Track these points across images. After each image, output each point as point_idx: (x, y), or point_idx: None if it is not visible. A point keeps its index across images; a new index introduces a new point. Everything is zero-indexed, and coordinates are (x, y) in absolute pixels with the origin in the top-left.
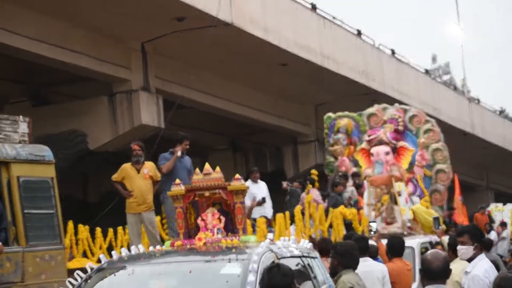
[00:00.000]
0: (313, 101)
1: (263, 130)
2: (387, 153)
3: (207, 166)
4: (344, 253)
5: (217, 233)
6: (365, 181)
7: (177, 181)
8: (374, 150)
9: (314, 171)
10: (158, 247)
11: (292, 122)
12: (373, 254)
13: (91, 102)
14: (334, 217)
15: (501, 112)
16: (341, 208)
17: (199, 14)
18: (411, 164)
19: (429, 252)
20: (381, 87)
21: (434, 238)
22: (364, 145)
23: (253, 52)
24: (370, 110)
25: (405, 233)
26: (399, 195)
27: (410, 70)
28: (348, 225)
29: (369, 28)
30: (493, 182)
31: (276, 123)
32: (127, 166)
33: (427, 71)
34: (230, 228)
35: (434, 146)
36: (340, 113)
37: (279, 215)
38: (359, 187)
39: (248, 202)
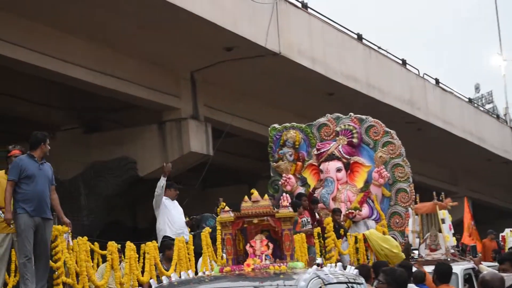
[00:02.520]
0: None
1: None
2: (338, 170)
3: (255, 193)
4: (403, 283)
5: (265, 259)
6: (409, 209)
7: (226, 208)
8: (323, 166)
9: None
10: (207, 272)
11: None
12: (419, 280)
13: (141, 129)
14: None
15: None
16: None
17: (247, 44)
18: (367, 183)
19: (486, 272)
20: (425, 116)
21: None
22: (313, 160)
23: (300, 81)
24: (321, 120)
25: (449, 259)
26: (443, 222)
27: (454, 99)
28: None
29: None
30: None
31: None
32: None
33: (470, 100)
34: (278, 254)
35: (394, 162)
36: (287, 124)
37: None
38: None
39: None
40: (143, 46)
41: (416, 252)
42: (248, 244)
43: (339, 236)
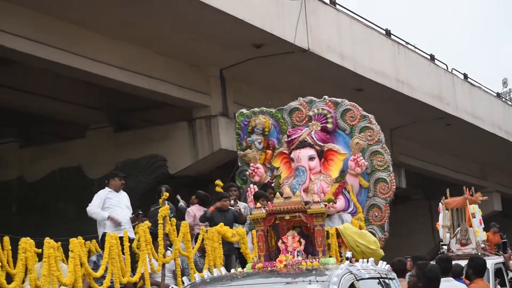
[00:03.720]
0: (388, 125)
1: None
2: (311, 158)
3: (287, 190)
4: (433, 278)
5: (297, 255)
6: (440, 204)
7: (258, 204)
8: (294, 154)
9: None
10: (239, 269)
11: None
12: (457, 274)
13: (171, 127)
14: (208, 238)
15: None
16: (220, 226)
17: (277, 41)
18: (343, 172)
19: None
20: (454, 111)
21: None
22: (283, 148)
23: (329, 77)
24: (293, 104)
25: (479, 254)
26: (474, 217)
27: (482, 94)
28: None
29: (442, 52)
30: None
31: None
32: None
33: (498, 95)
34: (310, 250)
35: (373, 149)
36: (255, 109)
37: None
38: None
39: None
40: (173, 44)
41: (445, 247)
42: (280, 241)
43: None
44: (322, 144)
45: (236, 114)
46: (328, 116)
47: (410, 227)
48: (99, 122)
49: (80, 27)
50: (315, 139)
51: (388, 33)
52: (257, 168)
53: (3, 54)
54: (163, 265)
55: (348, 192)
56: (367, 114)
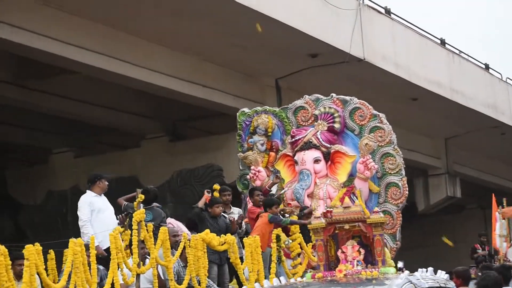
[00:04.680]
0: (443, 134)
1: None
2: (316, 161)
3: (346, 200)
4: (491, 286)
5: (357, 265)
6: (496, 213)
7: (317, 214)
8: (298, 156)
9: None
10: (299, 279)
11: (422, 155)
12: None
13: (226, 137)
14: (191, 246)
15: None
16: (205, 233)
17: (332, 51)
18: (351, 176)
19: None
20: (509, 120)
21: None
22: (287, 150)
23: (384, 87)
24: (298, 102)
25: None
26: None
27: None
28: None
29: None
30: None
31: (407, 156)
32: None
33: None
34: (370, 260)
35: (384, 151)
36: (258, 108)
37: None
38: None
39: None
40: (229, 54)
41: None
42: (340, 250)
43: (309, 240)
44: (329, 146)
45: (237, 114)
46: (336, 115)
47: (465, 236)
48: (154, 132)
49: (137, 37)
50: (321, 140)
51: (442, 42)
52: (258, 171)
53: (62, 65)
54: (138, 276)
55: (357, 198)
56: (378, 113)
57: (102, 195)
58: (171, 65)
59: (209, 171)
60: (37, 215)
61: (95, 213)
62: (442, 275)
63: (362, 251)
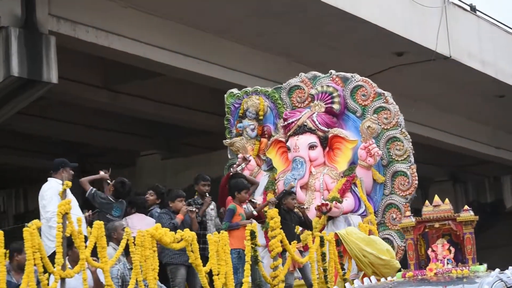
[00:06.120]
0: None
1: (482, 161)
2: (312, 146)
3: (436, 198)
4: None
5: (447, 263)
6: None
7: (407, 213)
8: (291, 141)
9: None
10: (389, 278)
11: (509, 152)
12: None
13: None
14: (136, 243)
15: None
16: (154, 228)
17: (418, 49)
18: (353, 164)
19: None
20: None
21: None
22: (279, 135)
23: (471, 84)
24: (293, 81)
25: None
26: None
27: None
28: None
29: None
30: None
31: (494, 154)
32: None
33: None
34: (460, 258)
35: (390, 135)
36: (248, 88)
37: None
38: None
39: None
40: (314, 54)
41: None
42: (430, 249)
43: (293, 237)
44: (326, 129)
45: (225, 95)
46: (335, 94)
47: None
48: (148, 149)
49: (219, 37)
50: (317, 123)
51: None
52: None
53: (147, 67)
54: (63, 281)
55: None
56: (383, 92)
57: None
58: (255, 65)
59: None
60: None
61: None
62: None
63: (452, 249)
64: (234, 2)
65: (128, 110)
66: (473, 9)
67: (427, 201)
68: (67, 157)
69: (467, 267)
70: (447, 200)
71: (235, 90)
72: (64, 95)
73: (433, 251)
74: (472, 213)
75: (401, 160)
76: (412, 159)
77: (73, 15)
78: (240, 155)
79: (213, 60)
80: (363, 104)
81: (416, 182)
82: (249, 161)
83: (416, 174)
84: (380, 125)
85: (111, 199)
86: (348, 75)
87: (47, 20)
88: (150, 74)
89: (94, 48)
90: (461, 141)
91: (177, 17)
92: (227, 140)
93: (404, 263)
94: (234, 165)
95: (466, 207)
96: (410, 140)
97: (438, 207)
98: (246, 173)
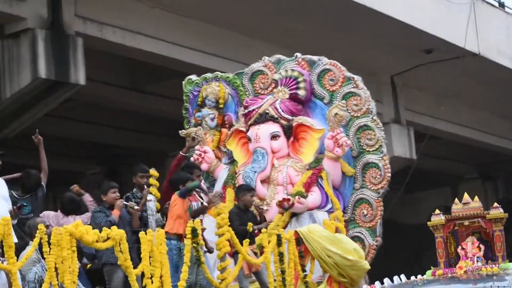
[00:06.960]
0: None
1: None
2: (274, 136)
3: (466, 196)
4: None
5: (477, 261)
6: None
7: (437, 211)
8: (252, 131)
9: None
10: (419, 276)
11: None
12: None
13: None
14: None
15: None
16: (74, 225)
17: (447, 46)
18: (320, 154)
19: None
20: None
21: None
22: (239, 124)
23: (500, 81)
24: (255, 66)
25: None
26: None
27: None
28: None
29: None
30: None
31: None
32: None
33: None
34: (490, 256)
35: (360, 123)
36: (207, 75)
37: None
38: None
39: None
40: (343, 52)
41: None
42: (460, 247)
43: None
44: (291, 118)
45: (183, 82)
46: (300, 79)
47: None
48: None
49: (247, 37)
50: (280, 110)
51: None
52: (204, 152)
53: (175, 67)
54: None
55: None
56: (353, 76)
57: None
58: None
59: None
60: None
61: None
62: None
63: (482, 247)
64: (261, 0)
65: (156, 110)
66: (501, 5)
67: (456, 199)
68: (95, 159)
69: (497, 265)
70: (476, 197)
71: (193, 77)
72: (91, 97)
73: (463, 249)
74: (501, 210)
75: (373, 150)
76: (385, 149)
77: (100, 16)
78: (190, 140)
79: (241, 60)
80: (331, 89)
81: (389, 174)
82: (199, 141)
83: (389, 165)
84: (349, 112)
85: (15, 195)
86: (315, 58)
87: (74, 21)
88: (177, 74)
89: (121, 48)
90: (491, 138)
91: (204, 17)
92: (183, 130)
93: (376, 263)
94: (184, 148)
95: (495, 204)
96: (383, 128)
97: (468, 204)
98: (204, 167)
